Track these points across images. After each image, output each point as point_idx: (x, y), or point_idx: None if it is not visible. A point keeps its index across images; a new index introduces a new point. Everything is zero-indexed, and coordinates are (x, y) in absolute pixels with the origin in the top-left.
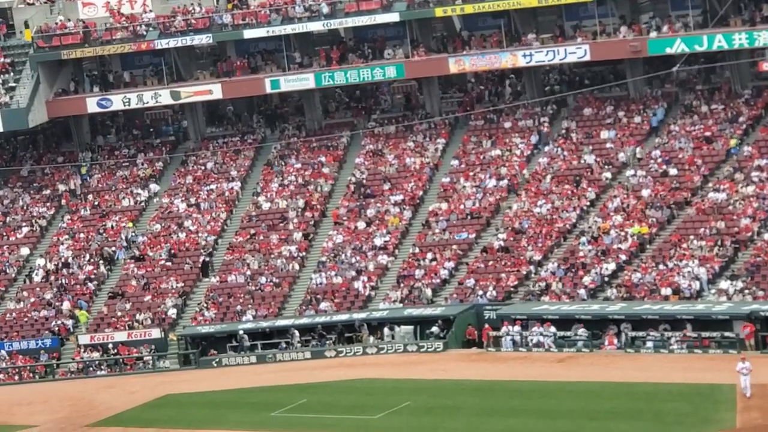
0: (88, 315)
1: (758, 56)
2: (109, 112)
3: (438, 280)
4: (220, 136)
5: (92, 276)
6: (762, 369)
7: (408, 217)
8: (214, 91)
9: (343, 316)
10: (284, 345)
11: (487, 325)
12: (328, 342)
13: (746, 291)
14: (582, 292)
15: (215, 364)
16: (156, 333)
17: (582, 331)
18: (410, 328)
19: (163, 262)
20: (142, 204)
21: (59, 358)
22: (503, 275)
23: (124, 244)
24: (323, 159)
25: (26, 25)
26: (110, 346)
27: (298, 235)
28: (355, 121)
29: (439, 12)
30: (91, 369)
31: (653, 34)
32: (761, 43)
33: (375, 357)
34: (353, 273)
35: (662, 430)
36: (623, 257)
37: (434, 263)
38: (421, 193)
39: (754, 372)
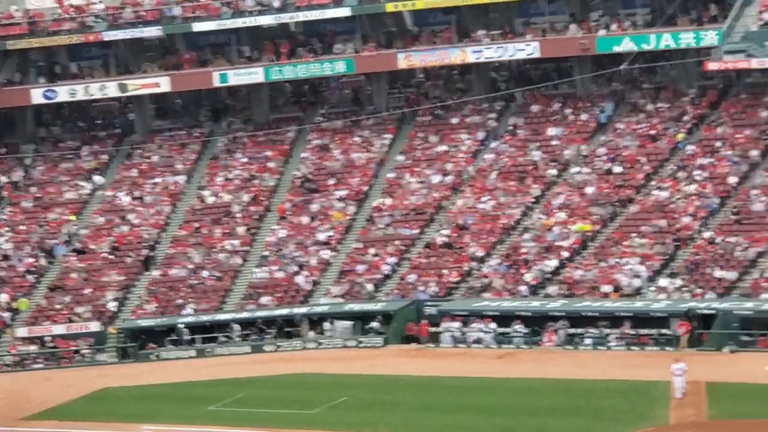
0: (29, 303)
1: (704, 56)
2: (54, 104)
3: (380, 276)
4: (166, 130)
5: (32, 269)
6: (696, 366)
7: (352, 212)
8: (161, 84)
9: (284, 311)
10: (224, 339)
11: (424, 321)
12: (268, 336)
13: (685, 289)
14: (523, 288)
15: (154, 358)
16: (95, 326)
17: (519, 327)
18: (349, 323)
19: (104, 255)
20: (86, 197)
21: None
22: (445, 271)
23: (66, 237)
24: (269, 153)
25: None
26: (48, 339)
27: (241, 230)
28: (302, 115)
29: (389, 7)
30: (27, 362)
31: (602, 33)
32: (707, 42)
33: (315, 352)
34: (295, 268)
35: (600, 426)
36: (565, 254)
37: (376, 258)
38: (366, 188)
39: (690, 369)
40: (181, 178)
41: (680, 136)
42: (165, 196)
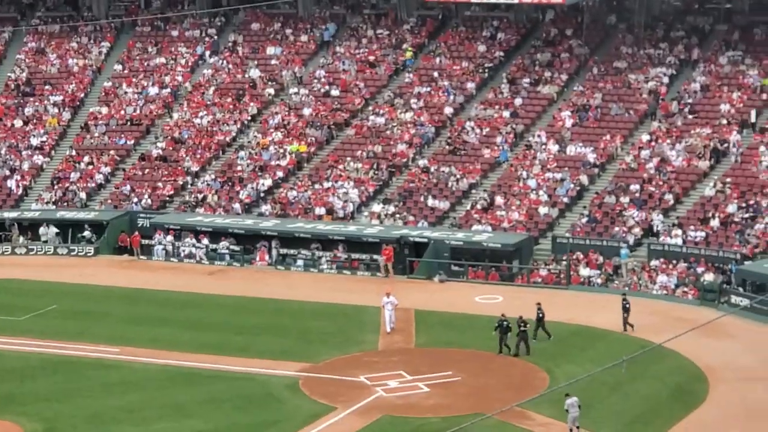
0: None
1: None
2: None
3: (93, 185)
4: None
5: None
6: (406, 294)
7: (67, 118)
8: None
9: None
10: None
11: (136, 233)
12: None
13: (398, 216)
14: (237, 206)
15: None
16: None
17: (226, 244)
18: (54, 230)
19: None
20: None
21: None
22: (160, 184)
23: None
24: None
25: None
26: None
27: None
28: (18, 17)
29: None
30: None
31: None
32: None
33: (24, 258)
34: (7, 171)
35: (306, 348)
36: (280, 174)
37: (91, 167)
38: (82, 95)
39: (400, 296)
40: None
41: (408, 54)
42: None
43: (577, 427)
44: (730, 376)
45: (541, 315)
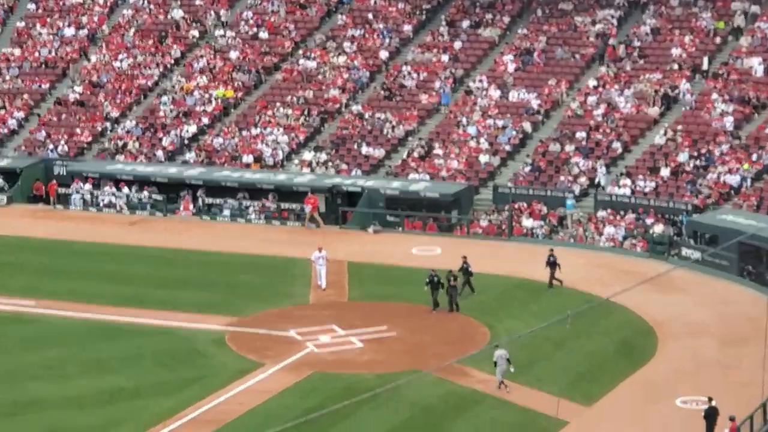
0: None
1: None
2: None
3: (6, 130)
4: None
5: None
6: (339, 246)
7: None
8: None
9: None
10: None
11: (53, 181)
12: None
13: (330, 164)
14: (160, 153)
15: None
16: None
17: (147, 193)
18: None
19: None
20: None
21: None
22: (77, 130)
23: None
24: None
25: None
26: None
27: None
28: None
29: None
30: None
31: None
32: None
33: None
34: None
35: (233, 301)
36: (206, 120)
37: (3, 112)
38: None
39: (333, 248)
40: None
41: None
42: None
43: (503, 383)
44: (679, 332)
45: (468, 268)
